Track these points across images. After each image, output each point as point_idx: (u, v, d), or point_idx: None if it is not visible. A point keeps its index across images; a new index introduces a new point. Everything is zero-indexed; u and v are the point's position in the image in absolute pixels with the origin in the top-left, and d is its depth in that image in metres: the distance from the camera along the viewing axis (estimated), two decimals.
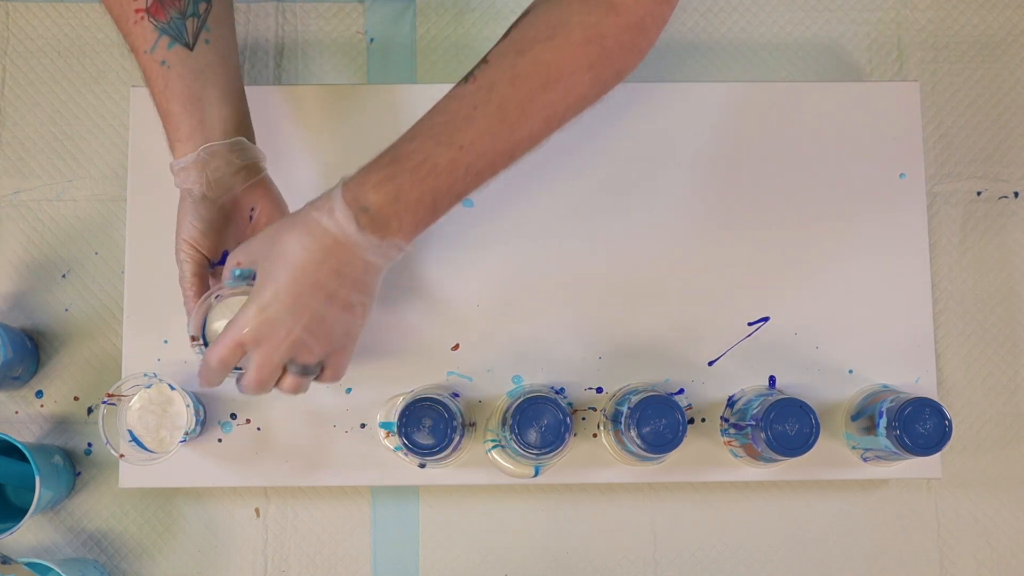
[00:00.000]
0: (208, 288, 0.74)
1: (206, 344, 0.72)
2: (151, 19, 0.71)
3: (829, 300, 0.84)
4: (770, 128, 0.86)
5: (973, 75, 0.92)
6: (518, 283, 0.84)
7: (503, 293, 0.84)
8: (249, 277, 0.68)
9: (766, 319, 0.84)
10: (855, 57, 0.93)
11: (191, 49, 0.72)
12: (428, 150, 0.64)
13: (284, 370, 0.67)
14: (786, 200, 0.85)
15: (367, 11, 0.93)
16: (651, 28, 0.68)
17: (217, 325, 0.71)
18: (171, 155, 0.73)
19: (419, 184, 0.64)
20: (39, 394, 0.86)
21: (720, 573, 0.85)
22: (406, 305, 0.83)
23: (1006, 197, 0.90)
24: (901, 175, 0.86)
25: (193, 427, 0.77)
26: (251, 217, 0.76)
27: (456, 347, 0.83)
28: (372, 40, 0.92)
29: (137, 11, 0.71)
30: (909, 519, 0.86)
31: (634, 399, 0.75)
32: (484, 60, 0.66)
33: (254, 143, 0.76)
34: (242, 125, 0.75)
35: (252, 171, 0.75)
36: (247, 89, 0.86)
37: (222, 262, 0.75)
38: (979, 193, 0.90)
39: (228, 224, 0.75)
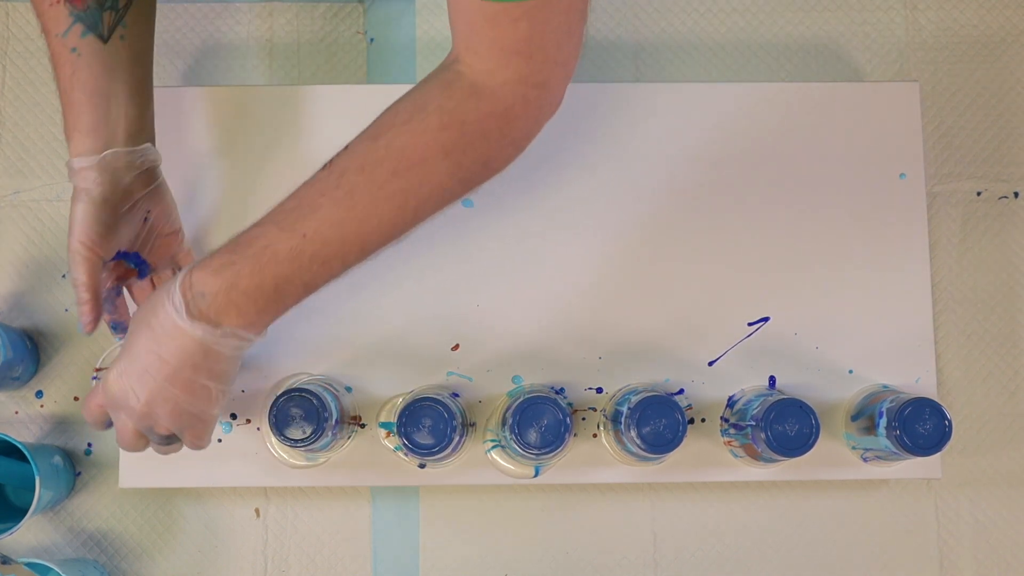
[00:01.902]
0: (101, 288, 0.74)
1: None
2: (67, 4, 0.70)
3: (829, 300, 0.84)
4: (770, 128, 0.86)
5: (973, 75, 0.92)
6: (518, 283, 0.84)
7: (503, 293, 0.84)
8: None
9: (766, 319, 0.84)
10: (855, 57, 0.93)
11: (105, 42, 0.71)
12: (271, 236, 0.62)
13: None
14: (786, 200, 0.85)
15: (367, 11, 0.93)
16: (521, 117, 0.63)
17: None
18: (67, 146, 0.72)
19: (259, 272, 0.62)
20: (39, 394, 0.86)
21: (720, 573, 0.85)
22: (406, 305, 0.83)
23: (1006, 197, 0.90)
24: (901, 175, 0.86)
25: None
26: (146, 219, 0.76)
27: (456, 347, 0.83)
28: (372, 40, 0.92)
29: None
30: (909, 519, 0.86)
31: (634, 399, 0.75)
32: (346, 147, 0.64)
33: (154, 145, 0.76)
34: (147, 127, 0.75)
35: (152, 176, 0.75)
36: (248, 89, 0.86)
37: (115, 258, 0.75)
38: (979, 193, 0.90)
39: (123, 226, 0.74)
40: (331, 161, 0.64)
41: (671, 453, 0.75)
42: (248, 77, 0.91)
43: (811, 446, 0.75)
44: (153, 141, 0.76)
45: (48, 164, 0.89)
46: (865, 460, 0.81)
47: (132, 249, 0.76)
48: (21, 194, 0.89)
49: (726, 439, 0.81)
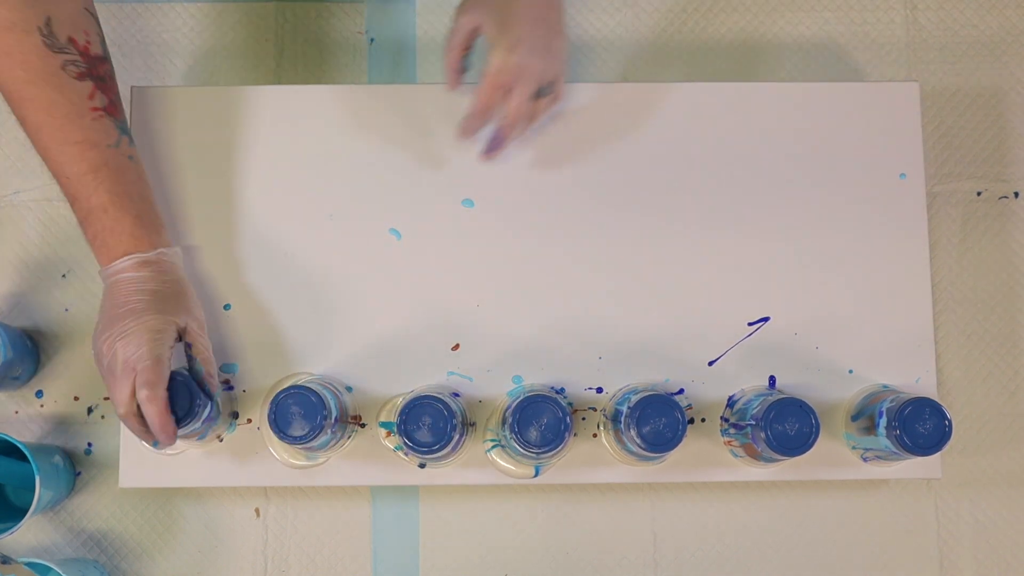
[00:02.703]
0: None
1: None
2: (110, 118, 0.74)
3: (829, 300, 0.84)
4: (770, 128, 0.86)
5: (973, 75, 0.92)
6: (518, 283, 0.84)
7: (503, 293, 0.84)
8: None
9: (766, 319, 0.84)
10: (855, 57, 0.93)
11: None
12: None
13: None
14: (786, 200, 0.85)
15: (367, 11, 0.93)
16: None
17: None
18: (109, 249, 0.73)
19: None
20: (39, 394, 0.86)
21: (720, 573, 0.85)
22: (406, 305, 0.83)
23: (1006, 197, 0.90)
24: (901, 175, 0.86)
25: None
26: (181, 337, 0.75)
27: (456, 347, 0.83)
28: (372, 40, 0.92)
29: (94, 109, 0.73)
30: (909, 519, 0.86)
31: (634, 399, 0.75)
32: None
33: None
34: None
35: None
36: (247, 89, 0.86)
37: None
38: (979, 193, 0.90)
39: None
40: None
41: (671, 452, 0.75)
42: (248, 77, 0.91)
43: (811, 446, 0.75)
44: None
45: None
46: (865, 460, 0.81)
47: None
48: (21, 194, 0.89)
49: (726, 439, 0.81)
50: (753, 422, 0.76)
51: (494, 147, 0.81)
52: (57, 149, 0.72)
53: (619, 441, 0.78)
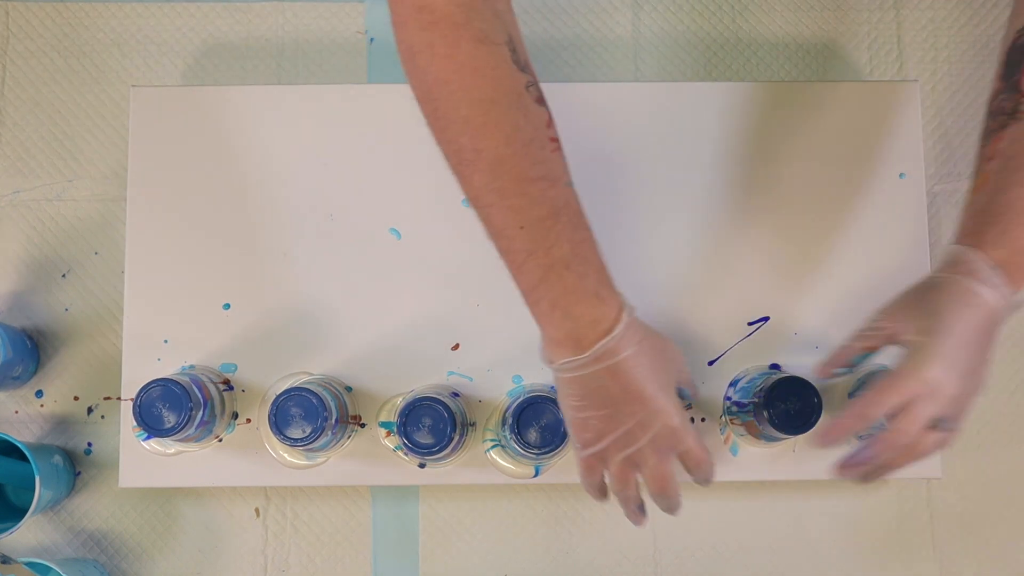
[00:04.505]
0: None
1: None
2: (562, 152, 0.63)
3: (829, 300, 0.84)
4: (770, 128, 0.86)
5: (973, 75, 0.92)
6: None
7: (503, 293, 0.83)
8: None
9: (766, 319, 0.84)
10: (855, 57, 0.93)
11: None
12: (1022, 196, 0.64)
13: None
14: (786, 200, 0.85)
15: (367, 11, 0.93)
16: None
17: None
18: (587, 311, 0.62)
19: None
20: (39, 394, 0.86)
21: (720, 573, 0.85)
22: (406, 305, 0.83)
23: None
24: (901, 175, 0.86)
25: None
26: None
27: (456, 347, 0.83)
28: (372, 40, 0.92)
29: (552, 140, 0.62)
30: (909, 519, 0.86)
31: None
32: (1022, 92, 0.65)
33: None
34: None
35: None
36: (248, 89, 0.86)
37: None
38: None
39: None
40: None
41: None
42: (248, 77, 0.91)
43: (813, 424, 0.75)
44: None
45: (48, 164, 0.89)
46: (860, 437, 0.81)
47: None
48: (21, 194, 0.89)
49: (728, 417, 0.81)
50: (756, 399, 0.76)
51: (862, 460, 0.65)
52: (515, 189, 0.60)
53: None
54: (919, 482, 0.86)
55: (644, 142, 0.85)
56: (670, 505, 0.69)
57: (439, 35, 0.58)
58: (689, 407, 0.81)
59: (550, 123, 0.62)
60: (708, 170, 0.85)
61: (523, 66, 0.61)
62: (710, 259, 0.84)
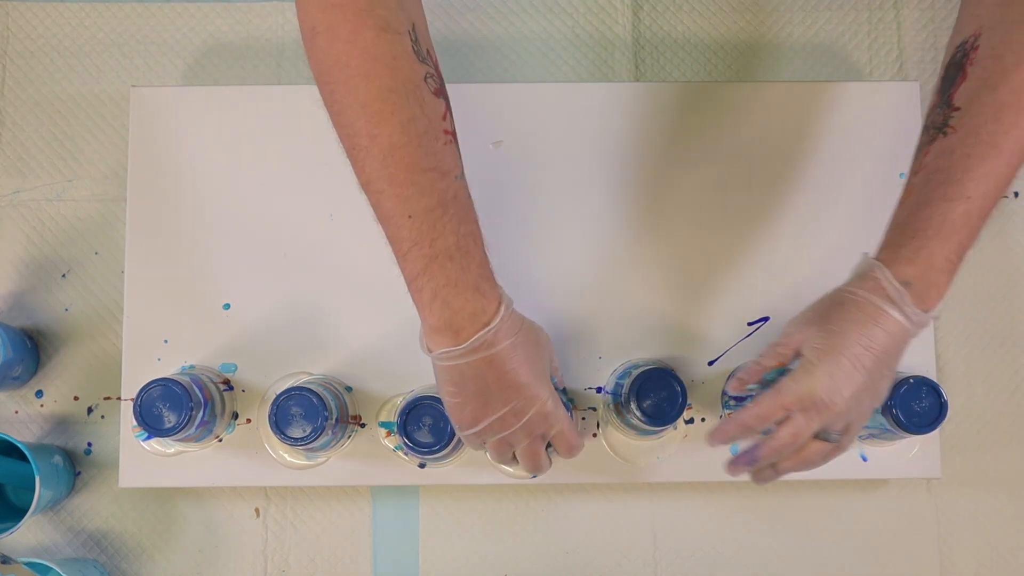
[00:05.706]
0: None
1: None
2: (456, 146, 0.64)
3: None
4: (770, 128, 0.86)
5: None
6: (517, 284, 0.83)
7: None
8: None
9: (766, 319, 0.84)
10: (855, 57, 0.93)
11: None
12: (940, 209, 0.63)
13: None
14: (786, 200, 0.85)
15: None
16: None
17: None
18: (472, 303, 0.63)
19: (943, 246, 0.63)
20: (39, 394, 0.86)
21: (720, 573, 0.85)
22: (406, 305, 0.83)
23: (1006, 197, 0.90)
24: (901, 175, 0.85)
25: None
26: None
27: None
28: None
29: (446, 132, 0.63)
30: (909, 519, 0.86)
31: (635, 372, 0.75)
32: (953, 107, 0.65)
33: None
34: None
35: None
36: (248, 89, 0.86)
37: None
38: None
39: None
40: (948, 125, 0.65)
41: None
42: (249, 77, 0.91)
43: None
44: None
45: (48, 164, 0.89)
46: (862, 439, 0.81)
47: None
48: (21, 194, 0.89)
49: (727, 412, 0.81)
50: (754, 390, 0.76)
51: (745, 462, 0.67)
52: (406, 178, 0.60)
53: (619, 414, 0.78)
54: (919, 482, 0.86)
55: (644, 142, 0.85)
56: (540, 472, 0.73)
57: (341, 18, 0.59)
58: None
59: (446, 115, 0.63)
60: (707, 170, 0.85)
61: (423, 57, 0.62)
62: (710, 259, 0.84)
